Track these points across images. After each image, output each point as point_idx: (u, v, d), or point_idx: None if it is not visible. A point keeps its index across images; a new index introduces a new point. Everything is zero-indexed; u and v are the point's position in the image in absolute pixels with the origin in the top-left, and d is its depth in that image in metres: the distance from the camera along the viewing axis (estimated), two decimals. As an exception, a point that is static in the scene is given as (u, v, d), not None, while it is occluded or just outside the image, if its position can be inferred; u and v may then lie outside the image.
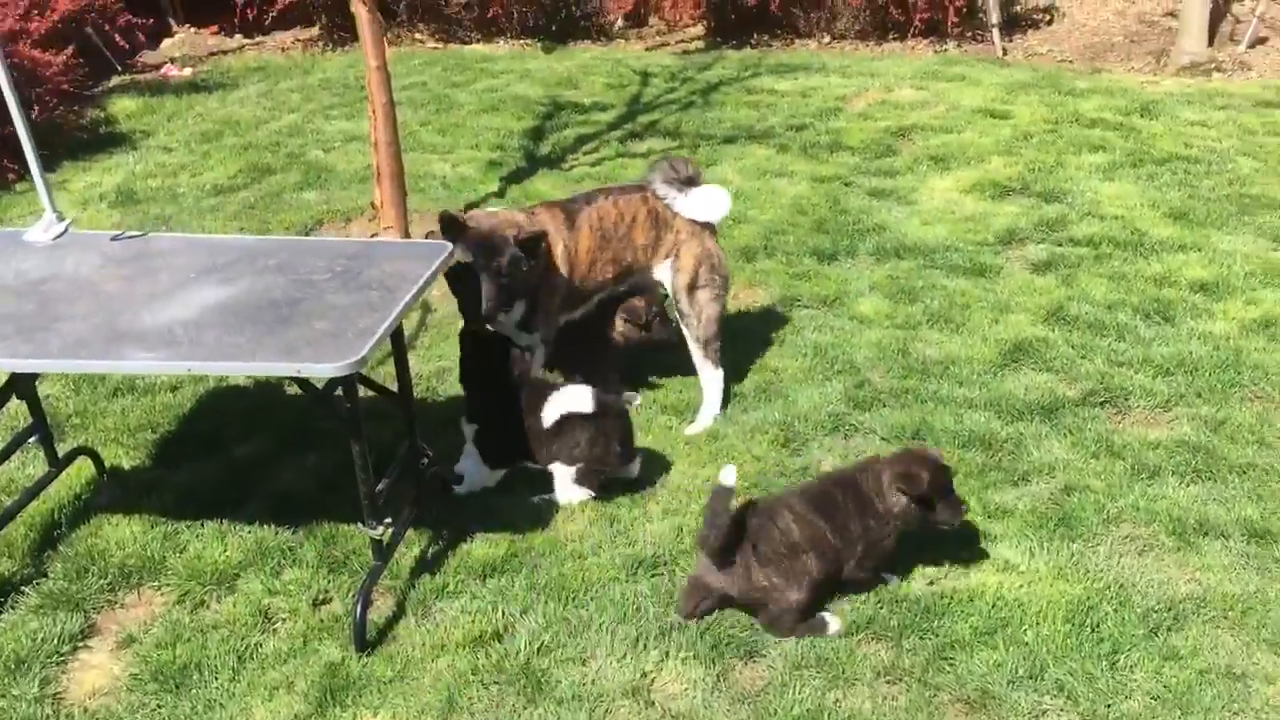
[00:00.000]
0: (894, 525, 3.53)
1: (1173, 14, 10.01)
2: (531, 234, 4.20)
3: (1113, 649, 3.33)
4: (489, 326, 4.24)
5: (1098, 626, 3.41)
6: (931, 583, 3.65)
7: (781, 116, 7.98)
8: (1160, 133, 7.46)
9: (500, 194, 6.75)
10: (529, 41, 10.33)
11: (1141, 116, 7.78)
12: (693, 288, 4.55)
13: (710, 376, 4.60)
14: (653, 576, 3.70)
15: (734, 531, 3.42)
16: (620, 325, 4.65)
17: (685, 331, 4.60)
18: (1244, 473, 4.12)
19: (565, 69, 9.31)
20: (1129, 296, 5.36)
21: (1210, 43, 9.30)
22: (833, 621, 3.47)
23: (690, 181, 4.53)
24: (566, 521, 3.99)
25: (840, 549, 3.48)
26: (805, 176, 6.93)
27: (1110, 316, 5.20)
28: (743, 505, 3.51)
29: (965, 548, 3.77)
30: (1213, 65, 9.00)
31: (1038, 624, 3.44)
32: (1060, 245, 5.93)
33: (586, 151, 7.43)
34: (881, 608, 3.53)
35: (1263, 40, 9.41)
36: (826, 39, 10.25)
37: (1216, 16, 9.45)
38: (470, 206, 6.56)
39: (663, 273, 4.58)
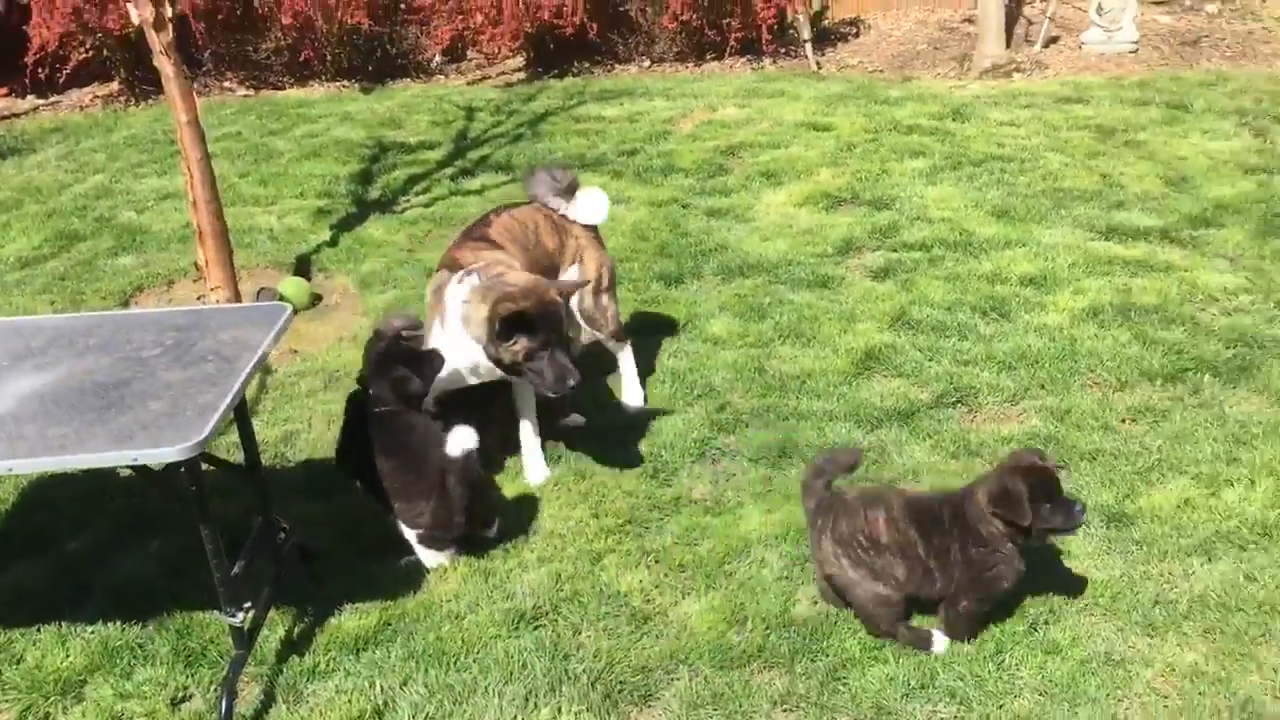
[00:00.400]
0: (1005, 551, 3.29)
1: (970, 20, 10.45)
2: (560, 287, 4.23)
3: (997, 649, 3.37)
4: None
5: (980, 628, 3.46)
6: (816, 602, 3.63)
7: (612, 143, 7.97)
8: (973, 135, 7.75)
9: (333, 243, 6.52)
10: (345, 83, 10.07)
11: (954, 120, 8.07)
12: (598, 290, 4.66)
13: (625, 356, 4.83)
14: (535, 629, 3.58)
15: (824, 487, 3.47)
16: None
17: (594, 332, 4.72)
18: (1094, 459, 4.26)
19: (386, 109, 9.10)
20: (966, 296, 5.52)
21: (1008, 45, 9.75)
22: (938, 640, 3.37)
23: (571, 188, 4.63)
24: (439, 582, 3.83)
25: (933, 569, 3.32)
26: (642, 202, 6.93)
27: (951, 317, 5.34)
28: (853, 488, 3.55)
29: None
30: (1012, 66, 9.43)
31: (923, 632, 3.46)
32: (895, 251, 6.07)
33: (418, 192, 7.25)
34: (770, 634, 3.50)
35: (1055, 40, 9.91)
36: (647, 63, 10.32)
37: (1011, 19, 9.93)
38: (302, 259, 6.31)
39: (569, 277, 4.60)
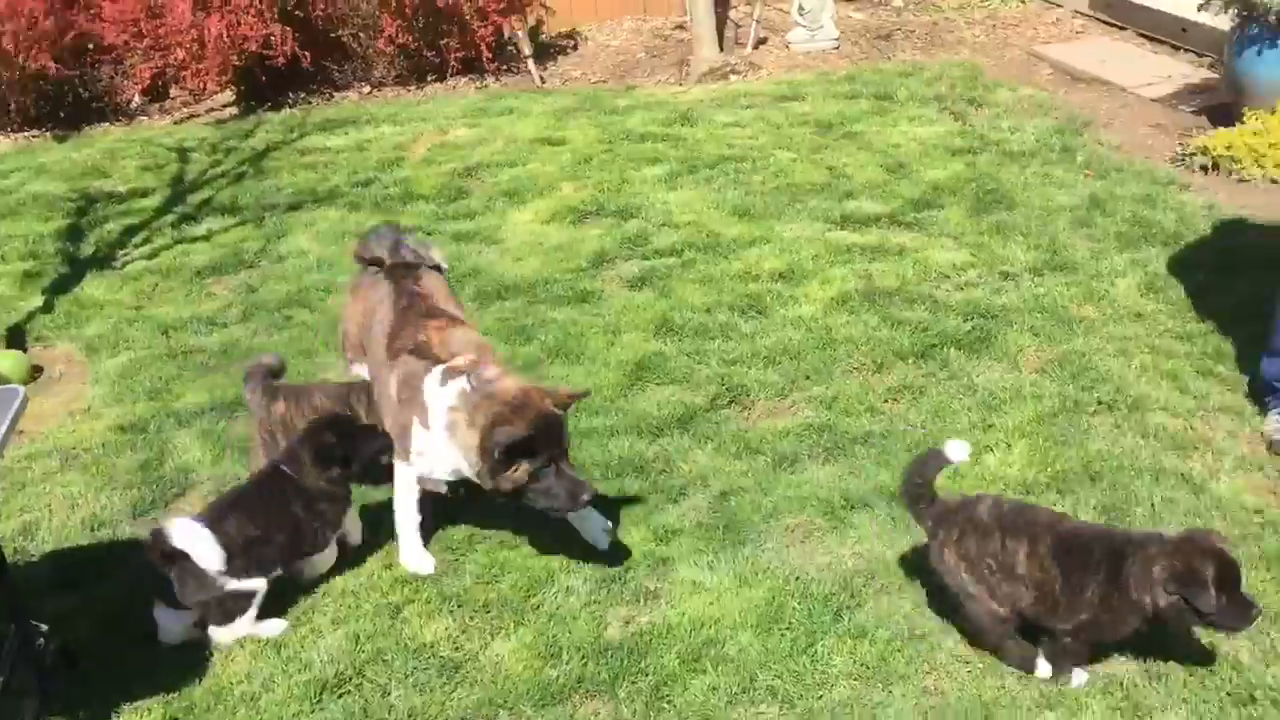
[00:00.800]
0: (1143, 616, 3.10)
1: (682, 26, 10.73)
2: (557, 397, 3.68)
3: (809, 641, 3.44)
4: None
5: (790, 623, 3.52)
6: (627, 623, 3.61)
7: (343, 174, 7.68)
8: (704, 138, 7.95)
9: (47, 308, 5.96)
10: (36, 133, 9.23)
11: (683, 125, 8.25)
12: None
13: None
14: (340, 697, 3.38)
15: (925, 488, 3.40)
16: None
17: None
18: (865, 442, 4.44)
19: (87, 157, 8.40)
20: (723, 297, 5.64)
21: (721, 49, 10.07)
22: (1043, 665, 3.24)
23: (397, 244, 4.25)
24: (225, 663, 3.55)
25: (1061, 605, 3.16)
26: (385, 232, 6.70)
27: (712, 319, 5.44)
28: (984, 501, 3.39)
29: (650, 577, 3.77)
30: (728, 69, 9.74)
31: (737, 635, 3.50)
32: (648, 259, 6.14)
33: (138, 244, 6.74)
34: (587, 663, 3.44)
35: (764, 41, 10.32)
36: (366, 89, 10.02)
37: (721, 23, 10.26)
38: (13, 330, 5.74)
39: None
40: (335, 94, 9.92)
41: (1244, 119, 6.85)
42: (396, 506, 3.92)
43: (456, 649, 3.56)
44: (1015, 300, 5.36)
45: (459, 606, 3.73)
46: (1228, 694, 3.13)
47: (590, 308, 5.65)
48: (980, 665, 3.32)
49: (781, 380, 4.89)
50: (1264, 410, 4.36)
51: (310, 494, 3.71)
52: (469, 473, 3.64)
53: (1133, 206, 6.18)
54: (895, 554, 3.80)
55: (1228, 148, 6.62)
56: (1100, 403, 4.52)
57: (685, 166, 7.37)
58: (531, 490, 3.53)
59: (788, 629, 3.50)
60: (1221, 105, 7.43)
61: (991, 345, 5.02)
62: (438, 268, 4.31)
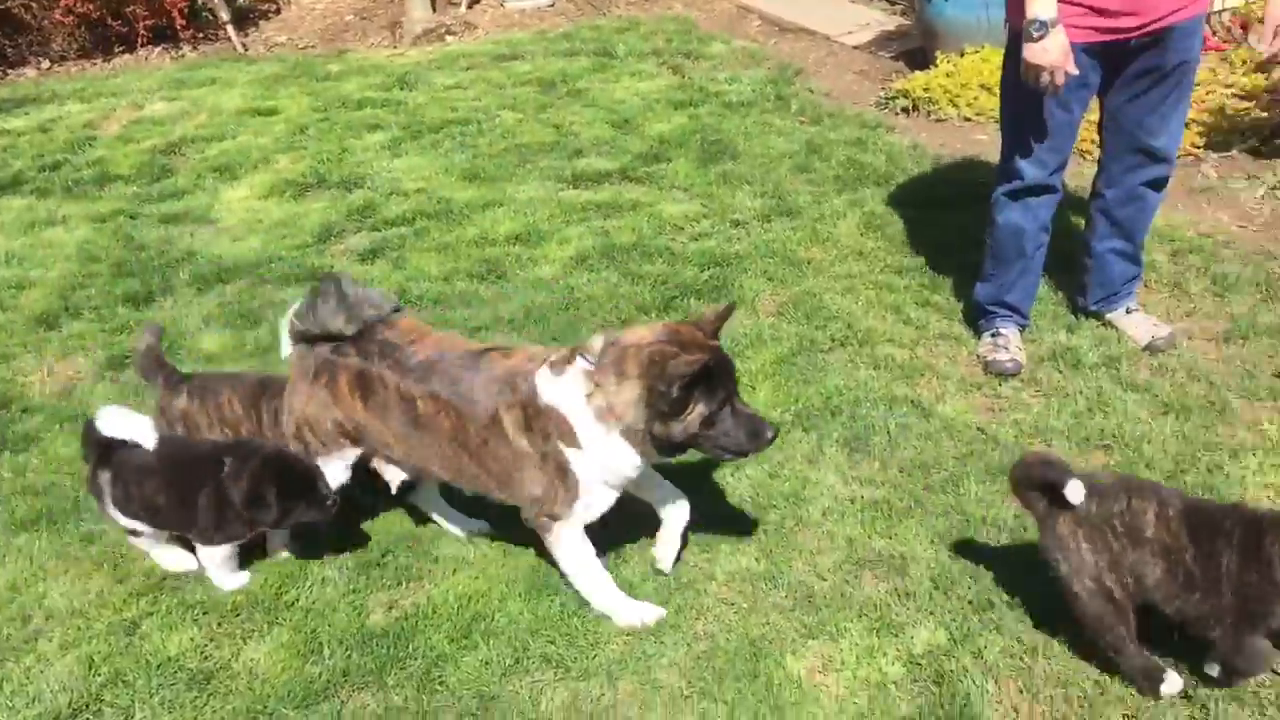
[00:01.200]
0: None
1: (392, -13, 10.38)
2: (704, 323, 3.22)
3: (579, 603, 3.40)
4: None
5: (558, 588, 3.47)
6: (390, 607, 3.46)
7: (27, 159, 6.99)
8: (425, 102, 7.72)
9: None
10: None
11: (402, 89, 7.99)
12: None
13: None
14: (79, 729, 3.08)
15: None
16: None
17: None
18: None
19: None
20: (460, 264, 5.50)
21: (434, 9, 9.81)
22: (1172, 680, 2.91)
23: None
24: (-63, 711, 3.16)
25: (1195, 581, 2.82)
26: (82, 219, 6.15)
27: (450, 288, 5.29)
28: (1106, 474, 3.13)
29: (411, 558, 3.64)
30: (444, 30, 9.51)
31: (506, 606, 3.42)
32: (378, 230, 5.91)
33: None
34: (352, 654, 3.28)
35: (477, 1, 10.13)
36: (46, 64, 9.16)
37: (432, -16, 9.99)
38: None
39: None
40: (9, 71, 9.04)
41: (937, 62, 7.28)
42: (578, 573, 3.34)
43: (206, 659, 3.32)
44: (747, 247, 5.49)
45: (204, 614, 3.47)
46: (970, 602, 3.32)
47: (321, 284, 5.38)
48: (745, 606, 3.39)
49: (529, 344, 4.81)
50: (978, 334, 4.65)
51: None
52: (636, 459, 3.16)
53: (846, 150, 6.46)
54: (643, 507, 3.79)
55: (925, 90, 7.01)
56: (834, 340, 4.70)
57: (408, 132, 7.14)
58: (706, 435, 3.09)
59: (556, 593, 3.45)
60: (917, 50, 7.86)
61: (729, 292, 5.12)
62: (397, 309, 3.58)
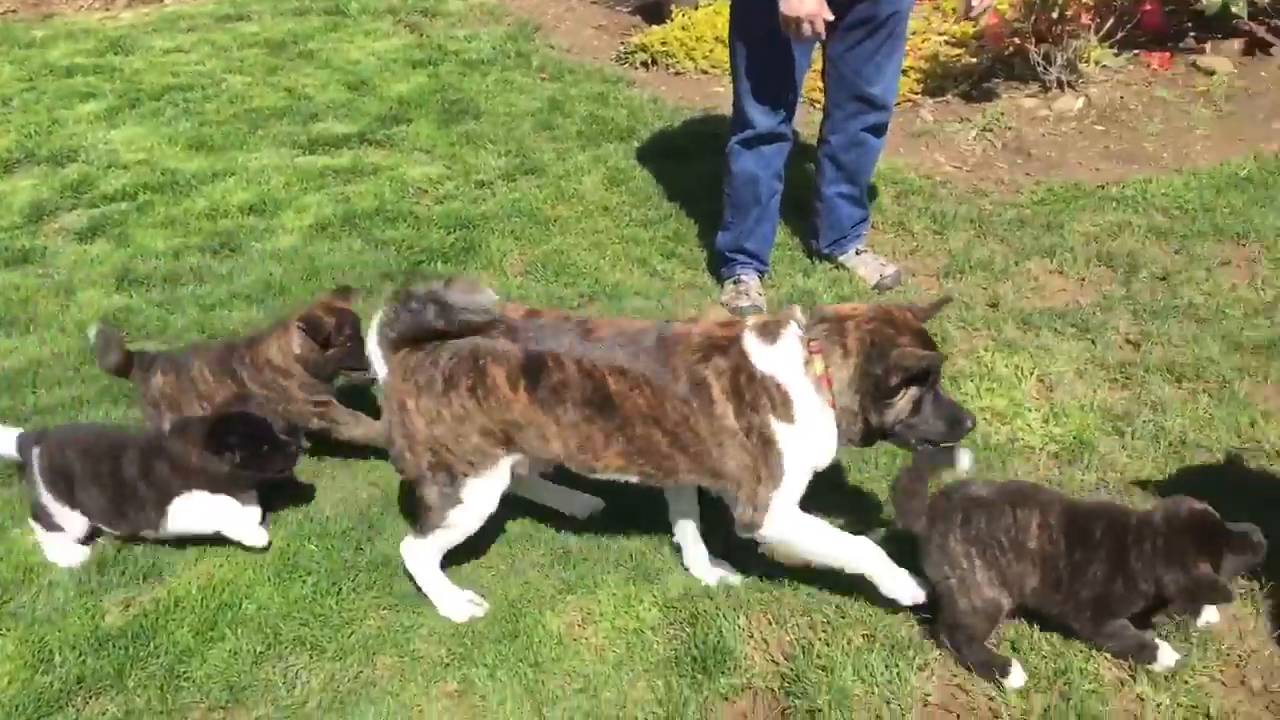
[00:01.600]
0: (1145, 597, 2.81)
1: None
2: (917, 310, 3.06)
3: (332, 583, 3.31)
4: None
5: (309, 568, 3.36)
6: (128, 606, 3.27)
7: None
8: (143, 67, 7.25)
9: None
10: None
11: (116, 55, 7.48)
12: None
13: None
14: None
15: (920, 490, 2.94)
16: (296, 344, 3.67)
17: None
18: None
19: None
20: (190, 238, 5.21)
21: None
22: (1017, 672, 2.86)
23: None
24: None
25: (1065, 583, 2.85)
26: None
27: (180, 264, 5.02)
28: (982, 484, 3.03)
29: (149, 552, 3.44)
30: (163, -10, 8.93)
31: (255, 592, 3.29)
32: (96, 206, 5.52)
33: None
34: (86, 659, 3.08)
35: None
36: None
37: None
38: None
39: None
40: None
41: (672, 16, 7.38)
42: (815, 544, 3.02)
43: (-81, 683, 3.05)
44: (493, 207, 5.44)
45: (-85, 634, 3.19)
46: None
47: (34, 268, 5.01)
48: (503, 567, 3.38)
49: (269, 317, 4.62)
50: (720, 282, 4.78)
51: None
52: (834, 446, 2.97)
53: (588, 106, 6.48)
54: (398, 480, 3.73)
55: (662, 44, 7.11)
56: (583, 295, 4.73)
57: (125, 100, 6.69)
58: (907, 423, 2.92)
59: (308, 574, 3.34)
60: (654, 4, 7.94)
61: (477, 254, 5.07)
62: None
